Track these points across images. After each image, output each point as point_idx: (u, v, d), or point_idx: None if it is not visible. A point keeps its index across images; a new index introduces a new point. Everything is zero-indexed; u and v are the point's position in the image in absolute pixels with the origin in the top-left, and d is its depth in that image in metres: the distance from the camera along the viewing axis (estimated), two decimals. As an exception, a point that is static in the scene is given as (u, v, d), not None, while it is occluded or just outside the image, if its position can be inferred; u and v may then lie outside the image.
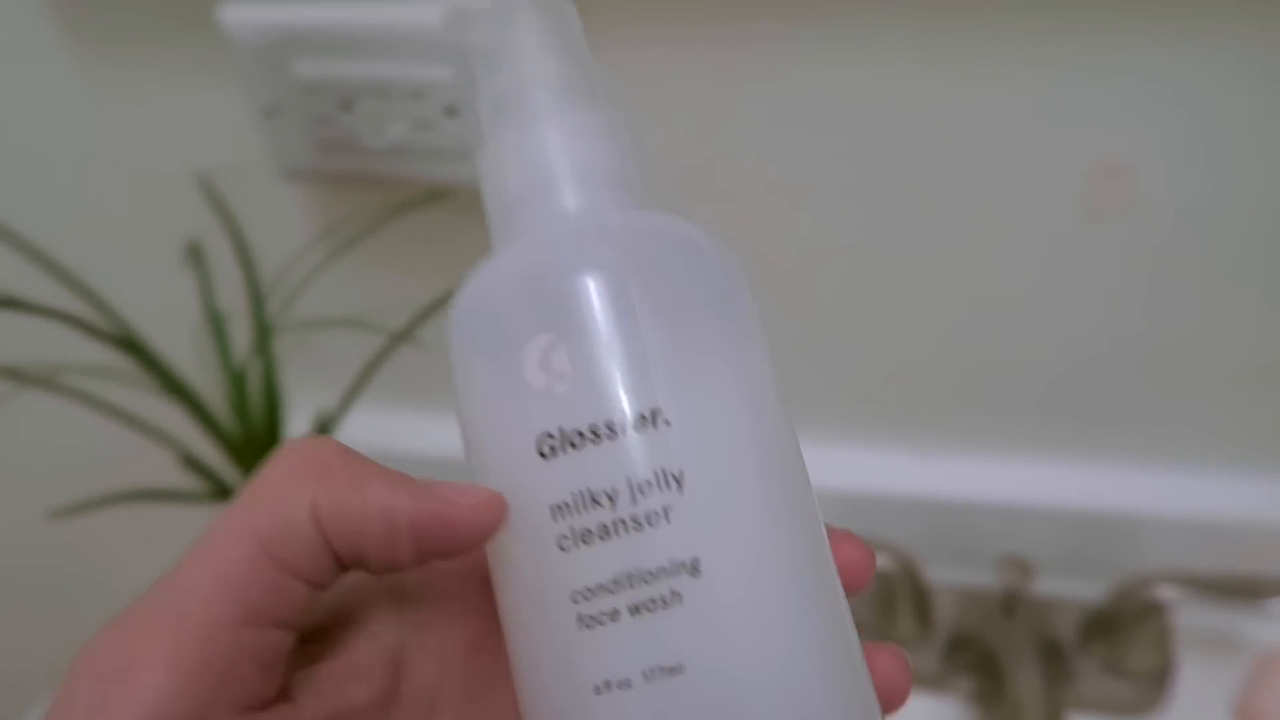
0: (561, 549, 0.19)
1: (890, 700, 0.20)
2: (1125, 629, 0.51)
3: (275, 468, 0.20)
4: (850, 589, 0.21)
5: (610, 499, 0.19)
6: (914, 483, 0.57)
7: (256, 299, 0.52)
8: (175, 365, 0.50)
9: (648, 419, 0.19)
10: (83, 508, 0.48)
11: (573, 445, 0.19)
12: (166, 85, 0.53)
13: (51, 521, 0.47)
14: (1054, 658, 0.53)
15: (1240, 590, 0.49)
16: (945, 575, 0.57)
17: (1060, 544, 0.55)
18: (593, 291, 0.19)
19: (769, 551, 0.19)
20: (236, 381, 0.52)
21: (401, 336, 0.49)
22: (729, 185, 0.50)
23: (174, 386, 0.49)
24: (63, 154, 0.57)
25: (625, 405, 0.19)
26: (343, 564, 0.20)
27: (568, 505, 0.19)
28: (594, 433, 0.19)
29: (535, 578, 0.19)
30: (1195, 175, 0.45)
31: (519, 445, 0.20)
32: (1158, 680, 0.52)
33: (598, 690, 0.19)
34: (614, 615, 0.18)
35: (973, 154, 0.47)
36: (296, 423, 0.56)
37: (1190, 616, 0.54)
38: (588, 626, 0.19)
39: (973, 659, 0.54)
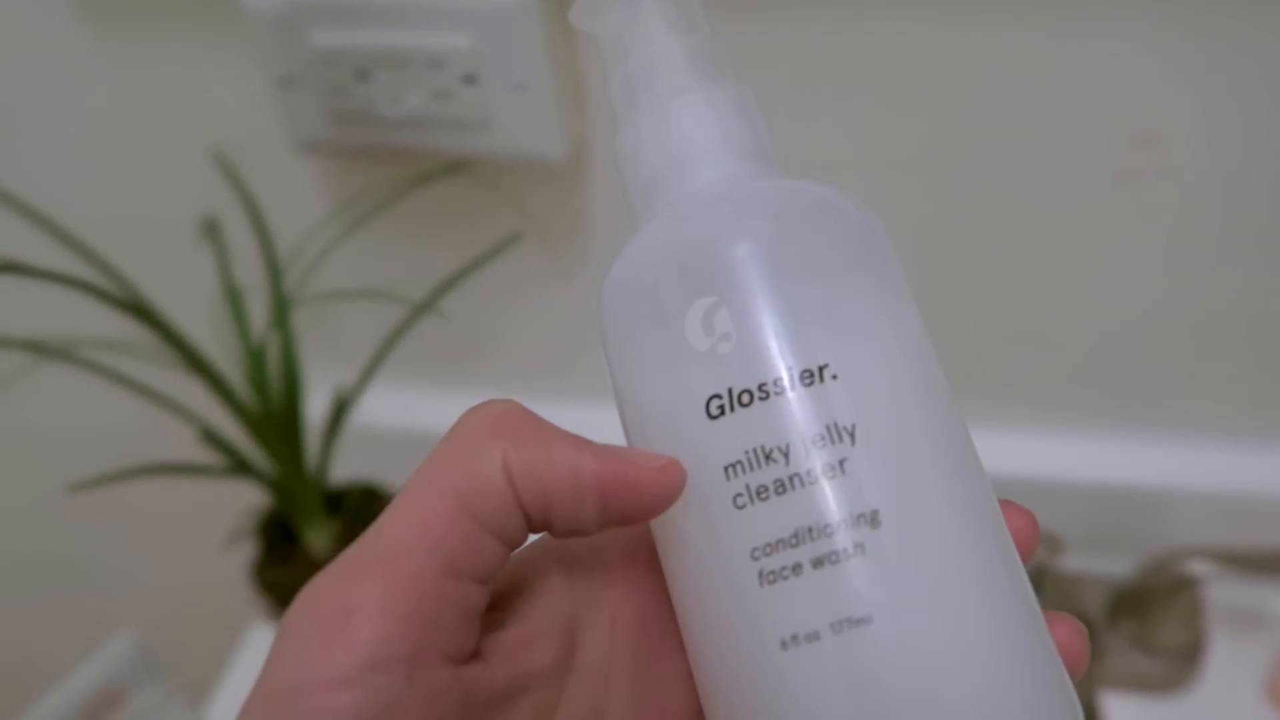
0: (738, 507, 0.19)
1: (1073, 668, 0.21)
2: (1155, 605, 0.51)
3: (465, 427, 0.20)
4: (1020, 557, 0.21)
5: (784, 454, 0.19)
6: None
7: (274, 273, 0.51)
8: (193, 340, 0.50)
9: (814, 374, 0.19)
10: (102, 481, 0.47)
11: (742, 404, 0.19)
12: (180, 57, 0.52)
13: (70, 495, 0.47)
14: (1082, 634, 0.52)
15: (1273, 565, 0.48)
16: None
17: (1088, 519, 0.54)
18: (750, 253, 0.20)
19: (946, 500, 0.19)
20: (254, 356, 0.51)
21: (423, 308, 0.49)
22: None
23: (193, 361, 0.49)
24: (76, 128, 0.56)
25: (792, 362, 0.19)
26: (531, 523, 0.20)
27: (741, 464, 0.19)
28: (762, 390, 0.19)
29: (711, 538, 0.20)
30: (1230, 142, 0.44)
31: (686, 408, 0.20)
32: (1188, 656, 0.51)
33: (784, 645, 0.19)
34: (796, 569, 0.19)
35: (1000, 121, 0.46)
36: (315, 398, 0.56)
37: (1221, 592, 0.53)
38: (770, 582, 0.19)
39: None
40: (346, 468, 0.58)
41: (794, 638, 0.18)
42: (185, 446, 0.53)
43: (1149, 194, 0.46)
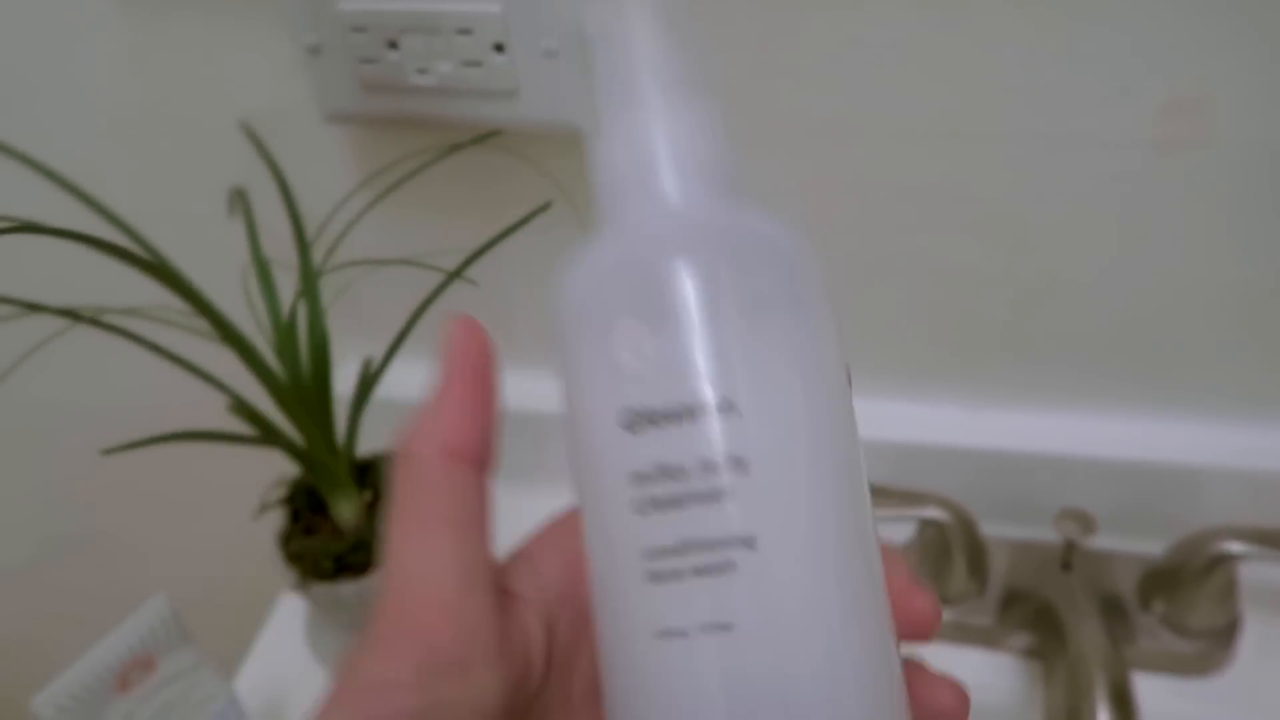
0: (638, 512, 0.21)
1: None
2: (1188, 585, 0.50)
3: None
4: (920, 637, 0.23)
5: (683, 474, 0.21)
6: (968, 435, 0.55)
7: (302, 245, 0.51)
8: (224, 311, 0.50)
9: (722, 407, 0.21)
10: (135, 445, 0.48)
11: (653, 423, 0.21)
12: (209, 26, 0.52)
13: (104, 462, 0.48)
14: (1114, 614, 0.52)
15: (1310, 546, 0.47)
16: (1001, 529, 0.55)
17: (1121, 498, 0.54)
18: (682, 285, 0.21)
19: (819, 539, 0.21)
20: (283, 328, 0.52)
21: (453, 277, 0.49)
22: (781, 123, 0.48)
23: (224, 331, 0.49)
24: (105, 99, 0.56)
25: (704, 392, 0.21)
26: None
27: (645, 475, 0.21)
28: (673, 414, 0.21)
29: (613, 535, 0.22)
30: (1274, 110, 0.43)
31: (606, 417, 0.22)
32: (1223, 637, 0.51)
33: (659, 636, 0.21)
34: (678, 575, 0.21)
35: (1035, 89, 0.45)
36: (344, 369, 0.56)
37: (1256, 572, 0.52)
38: (656, 581, 0.21)
39: (1029, 614, 0.52)
40: (375, 438, 0.58)
41: (668, 631, 0.21)
42: (216, 418, 0.53)
43: (1190, 164, 0.45)
